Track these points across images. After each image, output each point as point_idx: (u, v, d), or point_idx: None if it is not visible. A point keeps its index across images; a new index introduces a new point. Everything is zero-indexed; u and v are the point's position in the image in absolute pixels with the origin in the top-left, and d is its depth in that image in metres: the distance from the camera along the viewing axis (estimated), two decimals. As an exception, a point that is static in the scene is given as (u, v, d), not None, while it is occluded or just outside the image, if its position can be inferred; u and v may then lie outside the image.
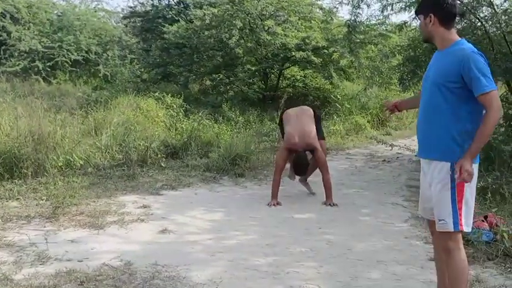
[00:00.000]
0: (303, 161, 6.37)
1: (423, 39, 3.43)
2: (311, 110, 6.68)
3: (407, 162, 9.04)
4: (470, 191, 3.00)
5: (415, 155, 3.44)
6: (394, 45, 11.10)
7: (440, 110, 3.01)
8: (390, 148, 9.38)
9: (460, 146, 2.96)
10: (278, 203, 6.20)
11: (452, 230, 2.97)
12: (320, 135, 6.66)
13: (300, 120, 6.46)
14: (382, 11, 8.10)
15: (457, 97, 2.96)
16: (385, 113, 3.95)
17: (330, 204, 6.23)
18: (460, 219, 2.97)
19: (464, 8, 7.04)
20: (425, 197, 3.27)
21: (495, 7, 7.00)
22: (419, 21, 3.27)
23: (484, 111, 2.93)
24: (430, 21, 3.07)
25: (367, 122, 13.16)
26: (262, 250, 4.65)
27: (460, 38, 3.11)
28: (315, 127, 6.45)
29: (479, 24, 7.15)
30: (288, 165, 6.66)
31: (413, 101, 3.86)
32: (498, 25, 6.95)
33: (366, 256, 4.55)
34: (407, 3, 7.94)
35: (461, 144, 2.96)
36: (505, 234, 4.56)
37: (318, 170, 6.52)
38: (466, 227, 3.01)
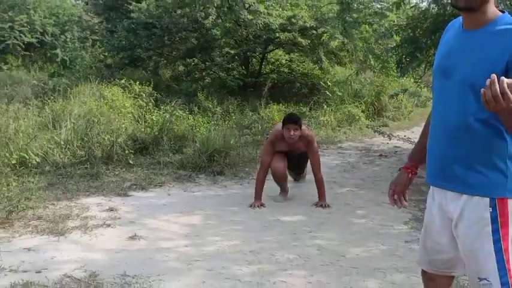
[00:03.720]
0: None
1: (461, 4, 2.32)
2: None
3: (407, 157, 9.11)
4: None
5: (429, 183, 2.60)
6: (391, 24, 11.19)
7: (475, 124, 2.32)
8: (388, 139, 9.48)
9: (503, 174, 2.35)
10: (262, 205, 6.22)
11: None
12: None
13: None
14: (378, -13, 8.15)
15: None
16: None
17: (321, 205, 6.27)
18: (510, 277, 2.35)
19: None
20: (434, 245, 2.62)
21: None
22: None
23: None
24: None
25: (361, 111, 13.23)
26: (245, 257, 4.66)
27: (501, 12, 2.38)
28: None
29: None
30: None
31: (424, 145, 2.72)
32: (508, 2, 7.02)
33: (362, 263, 4.58)
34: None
35: (503, 170, 2.35)
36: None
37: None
38: None
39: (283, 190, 6.64)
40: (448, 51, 2.50)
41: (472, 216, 2.37)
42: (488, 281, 2.35)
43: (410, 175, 2.83)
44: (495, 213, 2.33)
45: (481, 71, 2.19)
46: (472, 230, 2.37)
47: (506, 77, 2.06)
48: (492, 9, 2.33)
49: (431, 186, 2.61)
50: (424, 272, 2.73)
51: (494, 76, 1.97)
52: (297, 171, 6.95)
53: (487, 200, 2.34)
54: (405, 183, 2.82)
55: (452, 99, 2.38)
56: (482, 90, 2.00)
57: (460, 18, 2.48)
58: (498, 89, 1.95)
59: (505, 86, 1.94)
